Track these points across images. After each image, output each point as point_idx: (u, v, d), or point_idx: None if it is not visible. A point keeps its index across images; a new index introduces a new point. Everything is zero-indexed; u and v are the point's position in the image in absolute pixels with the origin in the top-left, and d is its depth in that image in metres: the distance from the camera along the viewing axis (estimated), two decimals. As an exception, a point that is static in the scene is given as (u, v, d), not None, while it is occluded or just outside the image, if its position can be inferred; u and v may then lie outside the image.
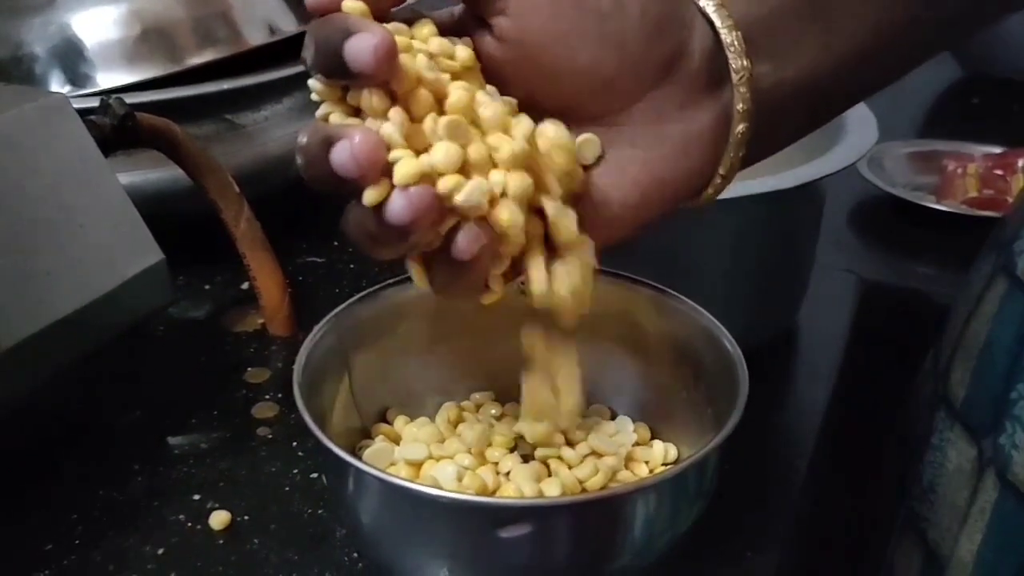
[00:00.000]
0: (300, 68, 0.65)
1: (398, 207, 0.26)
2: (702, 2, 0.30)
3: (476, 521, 0.29)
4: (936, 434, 0.43)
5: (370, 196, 0.26)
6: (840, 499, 0.58)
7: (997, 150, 0.82)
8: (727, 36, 0.29)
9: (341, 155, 0.26)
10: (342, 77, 0.27)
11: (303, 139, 0.28)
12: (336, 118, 0.28)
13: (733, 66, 0.30)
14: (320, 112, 0.28)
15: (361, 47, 0.26)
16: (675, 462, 0.37)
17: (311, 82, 0.28)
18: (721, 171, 0.31)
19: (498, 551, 0.29)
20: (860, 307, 0.64)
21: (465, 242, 0.27)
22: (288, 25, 0.66)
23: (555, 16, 0.28)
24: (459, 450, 0.34)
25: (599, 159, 0.30)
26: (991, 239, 0.45)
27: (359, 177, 0.26)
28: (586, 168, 0.30)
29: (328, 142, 0.26)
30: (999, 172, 0.78)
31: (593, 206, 0.30)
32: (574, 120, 0.30)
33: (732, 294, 0.52)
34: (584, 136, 0.29)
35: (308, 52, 0.27)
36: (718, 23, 0.29)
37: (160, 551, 0.41)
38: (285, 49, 0.66)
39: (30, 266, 0.42)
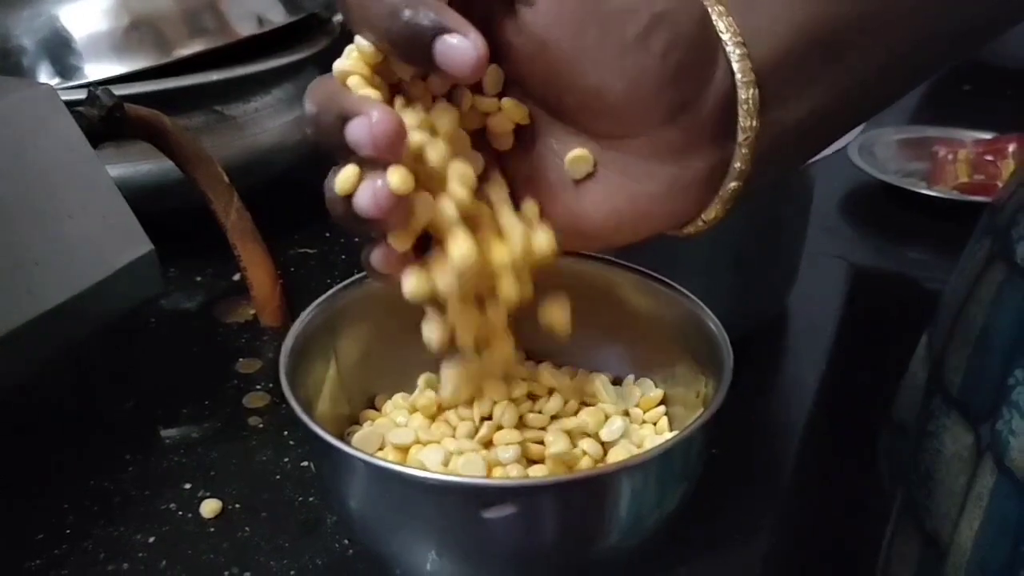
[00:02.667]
0: (290, 59, 0.65)
1: (365, 199, 0.26)
2: (729, 47, 0.28)
3: (461, 502, 0.29)
4: (932, 420, 0.43)
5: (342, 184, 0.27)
6: (831, 484, 0.58)
7: (987, 136, 0.83)
8: (743, 92, 0.28)
9: (359, 131, 0.26)
10: (420, 64, 0.26)
11: (312, 106, 0.27)
12: (355, 81, 0.27)
13: (742, 124, 0.29)
14: (340, 66, 0.28)
15: (463, 49, 0.25)
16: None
17: (359, 40, 0.27)
18: (704, 217, 0.31)
19: (484, 532, 0.29)
20: (851, 293, 0.65)
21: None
22: (277, 16, 0.66)
23: (578, 32, 0.27)
24: (446, 434, 0.34)
25: (589, 174, 0.30)
26: (984, 224, 0.45)
27: (375, 157, 0.26)
28: (575, 182, 0.30)
29: (344, 116, 0.26)
30: (989, 158, 0.78)
31: (572, 218, 0.30)
32: (575, 129, 0.30)
33: (722, 280, 0.52)
34: (578, 152, 0.29)
35: (363, 14, 0.26)
36: (739, 76, 0.28)
37: (151, 539, 0.41)
38: (274, 40, 0.66)
39: (19, 256, 0.42)
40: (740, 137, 0.29)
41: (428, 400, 0.36)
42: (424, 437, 0.34)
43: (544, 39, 0.27)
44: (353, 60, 0.28)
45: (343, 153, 0.27)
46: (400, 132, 0.26)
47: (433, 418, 0.36)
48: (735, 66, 0.28)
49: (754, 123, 0.29)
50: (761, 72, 0.28)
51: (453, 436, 0.34)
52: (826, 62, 0.29)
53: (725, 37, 0.28)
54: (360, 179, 0.27)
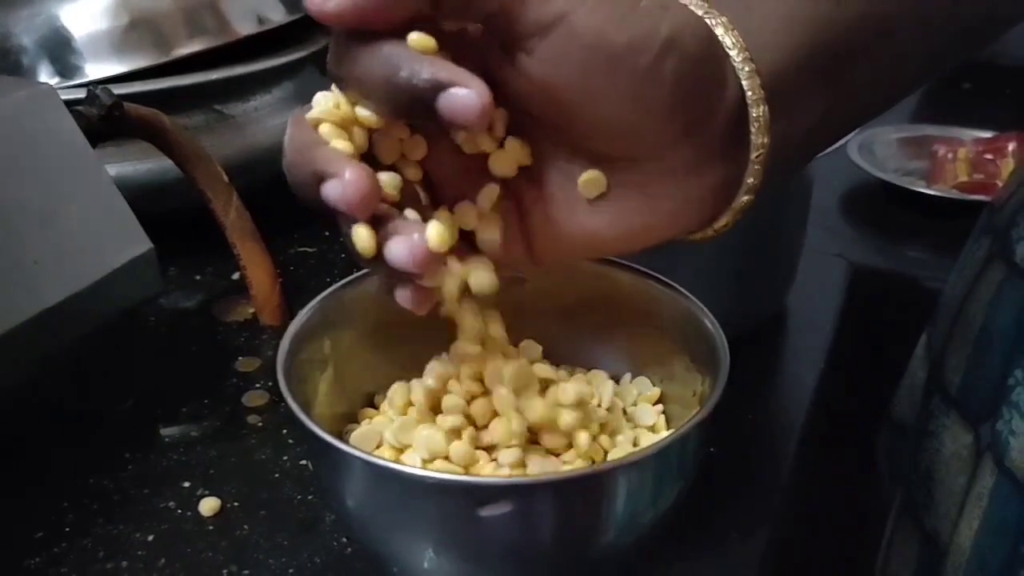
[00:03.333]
0: (289, 58, 0.65)
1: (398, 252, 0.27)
2: (737, 63, 0.28)
3: (457, 500, 0.29)
4: (932, 420, 0.43)
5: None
6: (829, 484, 0.58)
7: (987, 134, 0.83)
8: (754, 110, 0.28)
9: (332, 193, 0.26)
10: (426, 120, 0.26)
11: (288, 157, 0.27)
12: (327, 130, 0.27)
13: (754, 142, 0.29)
14: (315, 114, 0.27)
15: (467, 99, 0.25)
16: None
17: (337, 91, 0.27)
18: (715, 227, 0.31)
19: (481, 530, 0.29)
20: (850, 292, 0.65)
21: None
22: (277, 15, 0.66)
23: (586, 71, 0.26)
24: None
25: (601, 194, 0.29)
26: (983, 224, 0.45)
27: (351, 217, 0.26)
28: (588, 201, 0.30)
29: (318, 175, 0.26)
30: (989, 156, 0.78)
31: (585, 235, 0.30)
32: (584, 154, 0.29)
33: (721, 279, 0.52)
34: (591, 174, 0.29)
35: (359, 88, 0.26)
36: (749, 94, 0.28)
37: (150, 538, 0.41)
38: (274, 39, 0.66)
39: (17, 255, 0.42)
40: (752, 154, 0.29)
41: (403, 400, 0.36)
42: (404, 439, 0.34)
43: (548, 84, 0.27)
44: (323, 108, 0.27)
45: (321, 208, 0.27)
46: (373, 192, 0.26)
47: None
48: (745, 83, 0.28)
49: (765, 139, 0.28)
50: (769, 86, 0.28)
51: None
52: (831, 71, 0.29)
53: (733, 53, 0.28)
54: (375, 237, 0.27)
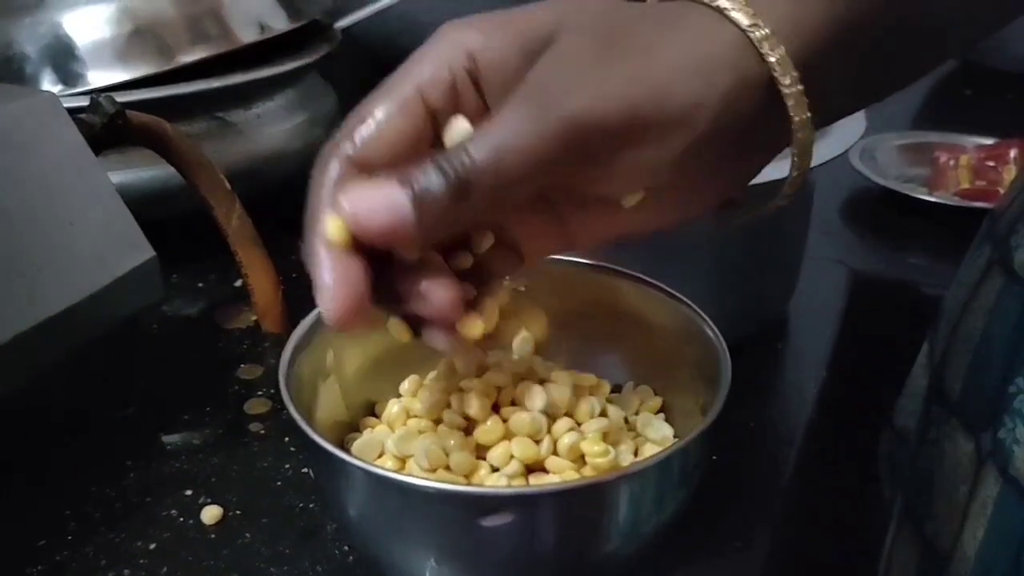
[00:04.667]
0: (291, 66, 0.65)
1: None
2: (784, 84, 0.28)
3: (458, 510, 0.29)
4: (932, 428, 0.43)
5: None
6: (831, 491, 0.58)
7: (989, 141, 0.82)
8: (795, 114, 0.29)
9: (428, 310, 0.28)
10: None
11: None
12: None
13: (794, 159, 0.30)
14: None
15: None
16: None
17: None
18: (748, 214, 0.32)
19: (482, 540, 0.29)
20: (851, 298, 0.65)
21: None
22: (279, 23, 0.66)
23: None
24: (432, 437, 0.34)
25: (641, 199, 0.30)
26: (984, 231, 0.45)
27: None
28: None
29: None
30: (991, 163, 0.78)
31: (624, 232, 0.31)
32: None
33: (722, 285, 0.52)
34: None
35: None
36: (791, 103, 0.28)
37: (152, 546, 0.41)
38: (276, 47, 0.66)
39: (21, 263, 0.42)
40: (792, 174, 0.30)
41: (400, 411, 0.36)
42: (406, 449, 0.34)
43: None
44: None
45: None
46: (458, 298, 0.28)
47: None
48: (788, 100, 0.28)
49: (810, 138, 0.29)
50: (802, 69, 0.29)
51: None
52: (861, 58, 0.30)
53: (773, 59, 0.28)
54: (408, 327, 0.30)
